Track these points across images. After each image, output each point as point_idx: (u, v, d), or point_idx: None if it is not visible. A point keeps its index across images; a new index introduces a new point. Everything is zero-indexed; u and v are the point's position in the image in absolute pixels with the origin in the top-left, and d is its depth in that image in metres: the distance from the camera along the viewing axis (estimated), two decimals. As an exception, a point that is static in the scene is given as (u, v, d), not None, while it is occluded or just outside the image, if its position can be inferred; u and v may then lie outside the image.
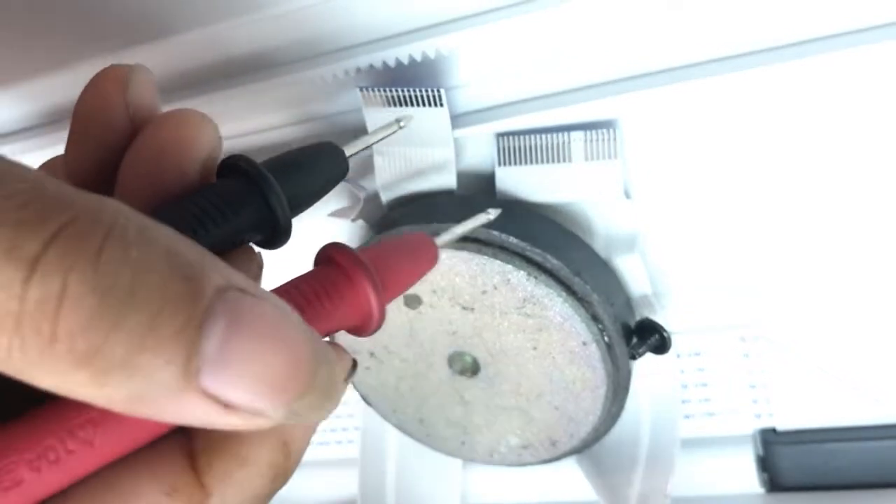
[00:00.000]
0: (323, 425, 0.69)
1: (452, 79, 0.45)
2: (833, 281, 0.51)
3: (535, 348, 0.48)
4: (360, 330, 0.27)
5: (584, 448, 0.55)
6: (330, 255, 0.26)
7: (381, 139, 0.37)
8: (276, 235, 0.27)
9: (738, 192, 0.48)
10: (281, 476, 0.25)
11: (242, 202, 0.26)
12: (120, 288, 0.18)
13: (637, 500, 0.55)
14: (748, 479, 0.61)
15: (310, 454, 0.71)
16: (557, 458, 0.56)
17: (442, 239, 0.32)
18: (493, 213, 0.37)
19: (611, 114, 0.46)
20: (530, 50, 0.44)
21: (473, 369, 0.52)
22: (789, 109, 0.44)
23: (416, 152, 0.47)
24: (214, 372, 0.19)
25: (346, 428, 0.68)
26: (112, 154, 0.27)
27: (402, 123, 0.39)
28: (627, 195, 0.49)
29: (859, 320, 0.52)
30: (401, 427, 0.59)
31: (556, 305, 0.46)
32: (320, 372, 0.21)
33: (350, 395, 0.65)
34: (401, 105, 0.44)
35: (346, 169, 0.32)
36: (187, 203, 0.25)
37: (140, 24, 0.43)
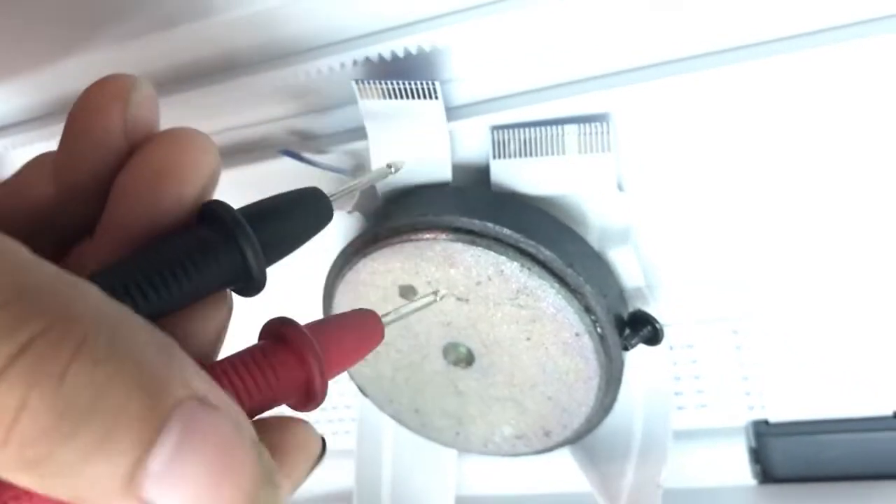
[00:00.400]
0: (321, 416, 0.69)
1: (447, 72, 0.46)
2: (825, 274, 0.51)
3: (528, 339, 0.49)
4: (299, 406, 0.28)
5: (578, 439, 0.56)
6: (280, 333, 0.27)
7: (369, 183, 0.38)
8: (250, 287, 0.28)
9: (730, 185, 0.48)
10: None
11: (218, 252, 0.26)
12: (78, 408, 0.19)
13: (630, 491, 0.55)
14: (741, 471, 0.62)
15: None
16: (551, 449, 0.57)
17: (388, 318, 0.32)
18: (439, 295, 0.38)
19: (604, 107, 0.46)
20: (524, 43, 0.44)
21: (468, 360, 0.52)
22: (781, 103, 0.44)
23: (411, 145, 0.47)
24: (158, 486, 0.20)
25: (343, 419, 0.69)
26: (105, 169, 0.27)
27: (393, 169, 0.40)
28: (621, 188, 0.49)
29: (851, 313, 0.53)
30: (396, 417, 0.59)
31: (549, 297, 0.46)
32: (261, 495, 0.21)
33: (347, 387, 0.65)
34: (396, 97, 0.45)
35: (331, 216, 0.32)
36: (166, 248, 0.26)
37: (139, 16, 0.44)
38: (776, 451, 0.60)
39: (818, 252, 0.50)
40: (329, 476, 0.71)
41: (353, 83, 0.45)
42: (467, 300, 0.48)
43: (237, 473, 0.21)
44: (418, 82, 0.44)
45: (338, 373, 0.29)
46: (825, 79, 0.43)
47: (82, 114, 0.27)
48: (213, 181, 0.28)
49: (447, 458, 0.63)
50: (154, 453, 0.20)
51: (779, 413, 0.59)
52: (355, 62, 0.45)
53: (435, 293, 0.38)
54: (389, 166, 0.40)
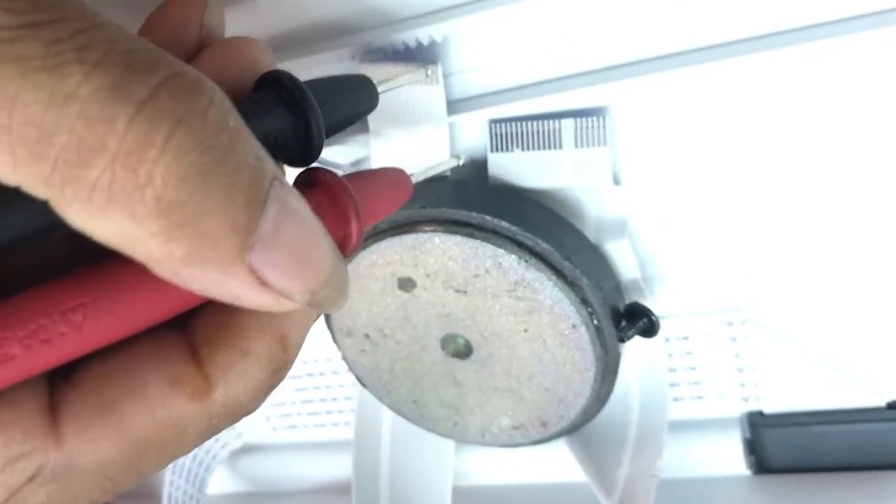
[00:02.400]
0: (320, 407, 0.71)
1: (447, 65, 0.47)
2: (819, 267, 0.52)
3: (525, 331, 0.50)
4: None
5: (574, 429, 0.57)
6: (315, 179, 0.27)
7: (410, 83, 0.40)
8: (306, 154, 0.28)
9: (725, 178, 0.49)
10: (279, 369, 0.26)
11: (279, 115, 0.27)
12: (219, 149, 0.20)
13: (625, 481, 0.56)
14: (736, 462, 0.63)
15: (306, 436, 0.73)
16: (548, 439, 0.58)
17: (416, 177, 0.34)
18: (462, 159, 0.39)
19: (600, 101, 0.47)
20: (523, 38, 0.45)
21: (466, 351, 0.53)
22: (776, 97, 0.45)
23: (411, 138, 0.48)
24: (263, 251, 0.21)
25: (343, 410, 0.70)
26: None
27: (429, 72, 0.41)
28: (617, 181, 0.50)
29: (845, 306, 0.54)
30: (395, 408, 0.61)
31: (546, 289, 0.47)
32: (337, 266, 0.24)
33: (346, 378, 0.67)
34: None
35: (376, 103, 0.33)
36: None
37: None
38: (771, 441, 0.61)
39: (812, 245, 0.51)
40: (328, 467, 0.72)
41: (358, 65, 0.46)
42: (465, 292, 0.49)
43: (323, 247, 0.23)
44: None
45: (372, 223, 0.30)
46: (819, 73, 0.44)
47: (162, 13, 0.29)
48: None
49: (445, 449, 0.64)
50: (264, 216, 0.21)
51: (773, 404, 0.60)
52: (353, 56, 0.46)
53: (458, 157, 0.39)
54: (427, 67, 0.42)
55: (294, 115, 0.27)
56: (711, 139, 0.48)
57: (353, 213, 0.27)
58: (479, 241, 0.47)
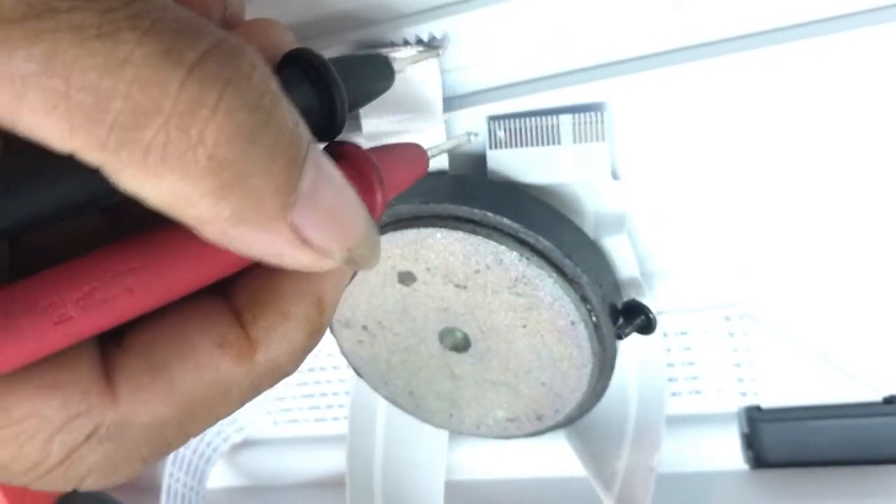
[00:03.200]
0: (321, 402, 0.71)
1: (445, 62, 0.47)
2: (817, 262, 0.53)
3: (524, 326, 0.51)
4: None
5: (569, 423, 0.58)
6: (341, 151, 0.28)
7: (424, 59, 0.42)
8: (330, 129, 0.29)
9: (723, 174, 0.50)
10: (316, 331, 0.27)
11: (305, 91, 0.27)
12: (264, 110, 0.21)
13: (624, 475, 0.57)
14: (733, 456, 0.63)
15: (307, 430, 0.74)
16: (542, 432, 0.59)
17: (431, 152, 0.35)
18: (472, 136, 0.42)
19: (598, 97, 0.48)
20: (521, 34, 0.46)
21: (464, 345, 0.54)
22: (774, 93, 0.46)
23: (407, 134, 0.49)
24: (304, 209, 0.23)
25: (343, 405, 0.70)
26: None
27: (440, 52, 0.43)
28: (615, 176, 0.51)
29: (843, 301, 0.54)
30: (391, 399, 0.61)
31: (546, 286, 0.48)
32: (370, 226, 0.25)
33: (347, 373, 0.67)
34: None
35: (392, 81, 0.35)
36: None
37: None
38: (768, 436, 0.62)
39: (810, 241, 0.52)
40: (328, 461, 0.73)
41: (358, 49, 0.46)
42: (465, 287, 0.50)
43: (357, 207, 0.25)
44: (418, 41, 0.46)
45: (394, 195, 0.31)
46: (817, 69, 0.44)
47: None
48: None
49: (439, 443, 0.65)
50: (303, 175, 0.22)
51: (771, 399, 0.61)
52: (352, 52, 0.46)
53: (469, 134, 0.41)
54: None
55: (319, 90, 0.28)
56: (709, 134, 0.49)
57: (378, 182, 0.28)
58: (480, 237, 0.47)
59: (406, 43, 0.46)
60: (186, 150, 0.20)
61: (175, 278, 0.24)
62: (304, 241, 0.23)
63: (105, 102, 0.20)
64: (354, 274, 0.30)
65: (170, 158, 0.20)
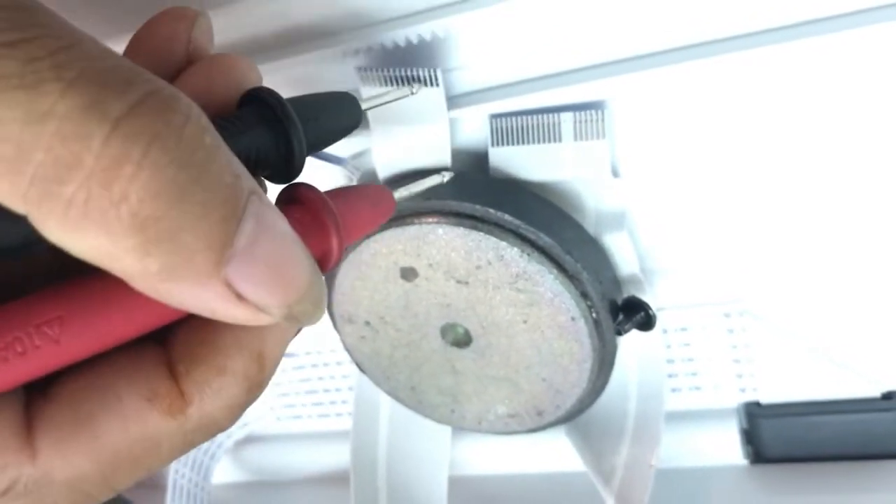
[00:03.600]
0: (324, 398, 0.72)
1: (448, 61, 0.48)
2: (816, 258, 0.53)
3: (525, 322, 0.51)
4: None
5: (569, 419, 0.58)
6: (298, 195, 0.28)
7: (395, 99, 0.41)
8: (288, 170, 0.29)
9: (722, 171, 0.51)
10: (255, 387, 0.27)
11: (261, 132, 0.27)
12: (194, 166, 0.21)
13: (623, 471, 0.58)
14: (733, 451, 0.64)
15: (310, 426, 0.75)
16: (542, 428, 0.60)
17: (399, 194, 0.34)
18: (446, 176, 0.41)
19: (600, 95, 0.48)
20: (524, 33, 0.46)
21: (465, 340, 0.55)
22: (773, 92, 0.46)
23: (412, 131, 0.49)
24: (239, 265, 0.22)
25: (346, 401, 0.71)
26: (164, 76, 0.28)
27: (414, 90, 0.42)
28: (616, 174, 0.51)
29: (841, 297, 0.55)
30: (393, 394, 0.62)
31: (547, 282, 0.49)
32: (315, 280, 0.24)
33: (349, 368, 0.68)
34: (398, 84, 0.46)
35: (360, 120, 0.34)
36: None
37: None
38: (767, 432, 0.63)
39: (809, 237, 0.53)
40: (331, 456, 0.74)
41: (356, 70, 0.47)
42: (467, 283, 0.51)
43: (300, 261, 0.24)
44: (420, 70, 0.46)
45: (353, 240, 0.30)
46: (816, 69, 0.45)
47: (151, 28, 0.30)
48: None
49: (442, 438, 0.66)
50: (240, 231, 0.22)
51: (770, 395, 0.62)
52: (357, 51, 0.47)
53: (442, 173, 0.41)
54: (411, 85, 0.42)
55: (276, 131, 0.28)
56: (709, 132, 0.49)
57: (334, 228, 0.27)
58: (482, 233, 0.48)
59: (408, 43, 0.46)
60: (109, 208, 0.20)
61: (105, 328, 0.24)
62: (240, 297, 0.22)
63: (26, 155, 0.19)
64: (299, 330, 0.29)
65: (92, 214, 0.20)
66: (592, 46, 0.46)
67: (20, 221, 0.20)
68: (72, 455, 0.24)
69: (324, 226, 0.27)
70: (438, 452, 0.66)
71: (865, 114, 0.47)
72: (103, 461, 0.24)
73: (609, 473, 0.58)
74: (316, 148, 0.31)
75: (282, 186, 0.29)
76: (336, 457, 0.73)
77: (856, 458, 0.62)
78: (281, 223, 0.24)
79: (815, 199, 0.51)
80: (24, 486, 0.23)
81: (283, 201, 0.28)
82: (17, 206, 0.20)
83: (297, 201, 0.28)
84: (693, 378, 0.63)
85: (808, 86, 0.46)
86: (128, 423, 0.24)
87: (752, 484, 0.63)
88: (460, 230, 0.49)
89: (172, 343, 0.26)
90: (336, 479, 0.71)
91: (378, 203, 0.32)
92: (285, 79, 0.49)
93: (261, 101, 0.28)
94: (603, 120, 0.48)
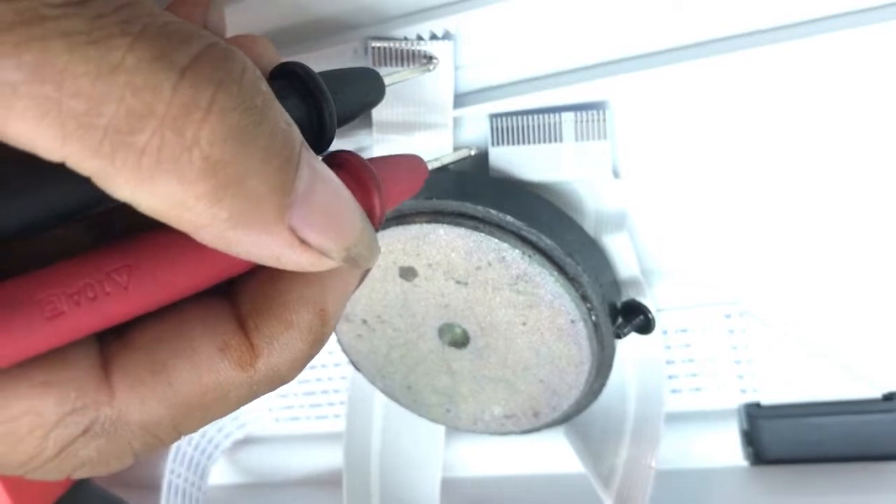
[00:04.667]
0: (322, 399, 0.73)
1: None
2: (816, 259, 0.54)
3: (524, 324, 0.52)
4: None
5: (565, 420, 0.59)
6: (338, 160, 0.29)
7: (416, 76, 0.42)
8: (319, 142, 0.30)
9: (723, 172, 0.51)
10: (318, 341, 0.28)
11: (295, 104, 0.29)
12: (256, 111, 0.23)
13: (622, 473, 0.58)
14: (733, 453, 0.65)
15: (308, 427, 0.75)
16: (538, 429, 0.60)
17: (431, 164, 0.36)
18: (473, 150, 0.45)
19: (601, 95, 0.49)
20: (525, 32, 0.47)
21: (463, 341, 0.56)
22: (776, 91, 0.47)
23: (414, 128, 0.50)
24: (301, 210, 0.24)
25: (345, 402, 0.71)
26: None
27: (432, 66, 0.43)
28: (616, 175, 0.52)
29: (842, 298, 0.55)
30: (388, 393, 0.63)
31: (547, 284, 0.49)
32: (367, 225, 0.27)
33: (348, 370, 0.68)
34: (406, 63, 0.47)
35: (383, 94, 0.36)
36: None
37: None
38: (768, 433, 0.64)
39: (809, 238, 0.53)
40: (323, 458, 0.75)
41: (368, 41, 0.47)
42: (466, 284, 0.51)
43: (352, 207, 0.26)
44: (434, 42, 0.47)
45: (392, 206, 0.32)
46: (818, 67, 0.46)
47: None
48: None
49: (435, 439, 0.67)
50: (298, 177, 0.24)
51: (770, 396, 0.62)
52: (356, 52, 0.47)
53: (470, 147, 0.44)
54: (430, 59, 0.44)
55: (308, 104, 0.29)
56: (710, 133, 0.50)
57: (376, 188, 0.29)
58: (483, 234, 0.49)
59: (419, 38, 0.47)
60: (182, 153, 0.21)
61: (172, 278, 0.25)
62: (303, 243, 0.24)
63: (98, 108, 0.20)
64: (359, 284, 0.31)
65: (165, 161, 0.21)
66: (595, 45, 0.47)
67: (82, 184, 0.21)
68: (147, 399, 0.25)
69: (366, 187, 0.29)
70: (432, 454, 0.67)
71: (869, 117, 0.47)
72: (175, 407, 0.26)
73: (608, 475, 0.59)
74: (344, 121, 0.33)
75: None
76: (334, 458, 0.74)
77: (857, 459, 0.62)
78: (330, 173, 0.25)
79: (815, 201, 0.51)
80: (101, 427, 0.25)
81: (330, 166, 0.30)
82: (86, 164, 0.21)
83: (338, 166, 0.29)
84: (693, 379, 0.63)
85: (814, 86, 0.47)
86: (200, 371, 0.26)
87: (752, 485, 0.64)
88: (461, 230, 0.49)
89: (240, 298, 0.28)
90: (333, 482, 0.71)
91: (413, 170, 0.34)
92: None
93: (294, 75, 0.30)
94: (605, 120, 0.49)
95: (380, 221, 0.30)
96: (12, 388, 0.24)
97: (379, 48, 0.47)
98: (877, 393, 0.61)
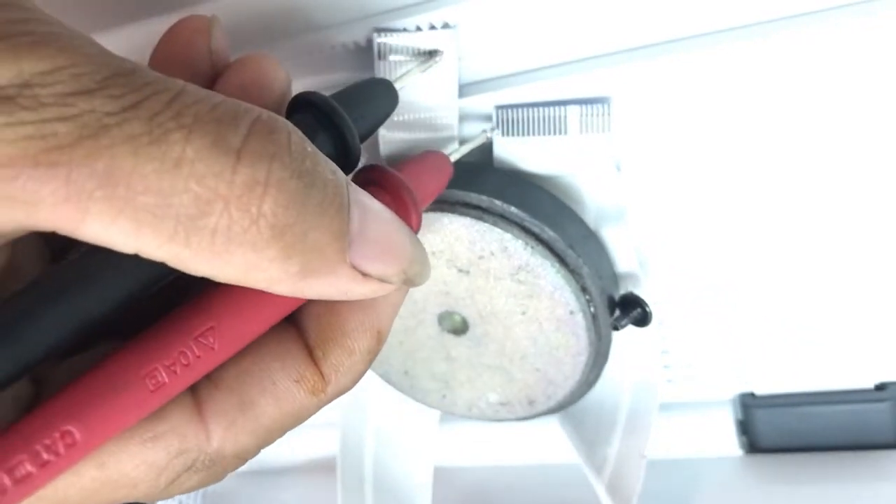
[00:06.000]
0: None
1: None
2: (810, 249, 0.56)
3: (523, 313, 0.54)
4: None
5: (560, 409, 0.61)
6: (372, 177, 0.32)
7: (424, 70, 0.44)
8: (346, 165, 0.32)
9: (720, 166, 0.52)
10: (373, 358, 0.33)
11: (315, 133, 0.31)
12: (307, 174, 0.26)
13: (615, 461, 0.61)
14: (728, 442, 0.67)
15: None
16: (532, 417, 0.62)
17: (453, 156, 0.41)
18: (489, 132, 0.47)
19: (605, 88, 0.49)
20: (529, 22, 0.47)
21: (462, 328, 0.57)
22: (777, 86, 0.48)
23: (419, 121, 0.50)
24: (358, 247, 0.27)
25: None
26: None
27: (437, 59, 0.45)
28: (619, 168, 0.53)
29: (836, 289, 0.57)
30: (385, 377, 0.64)
31: (549, 275, 0.51)
32: (417, 245, 0.30)
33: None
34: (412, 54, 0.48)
35: (396, 103, 0.39)
36: None
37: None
38: (762, 422, 0.66)
39: (803, 229, 0.55)
40: (315, 444, 0.77)
41: (374, 33, 0.48)
42: (468, 272, 0.53)
43: (402, 232, 0.30)
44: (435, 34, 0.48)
45: (424, 207, 0.35)
46: (826, 61, 0.46)
47: (170, 45, 0.34)
48: (288, 92, 0.35)
49: (429, 426, 0.69)
50: (350, 221, 0.27)
51: (765, 386, 0.65)
52: (368, 41, 0.48)
53: (485, 130, 0.47)
54: (433, 53, 0.46)
55: (332, 135, 0.32)
56: (711, 128, 0.51)
57: (413, 205, 0.32)
58: (487, 224, 0.50)
59: (418, 29, 0.47)
60: (250, 226, 0.24)
61: (249, 327, 0.29)
62: (365, 276, 0.28)
63: (167, 200, 0.23)
64: (403, 298, 0.34)
65: (236, 236, 0.24)
66: (601, 36, 0.48)
67: (154, 266, 0.25)
68: (239, 434, 0.30)
69: (403, 203, 0.32)
70: (425, 441, 0.69)
71: (872, 112, 0.48)
72: (261, 436, 0.31)
73: (600, 464, 0.61)
74: (365, 139, 0.35)
75: None
76: (329, 446, 0.74)
77: (849, 448, 0.65)
78: (376, 203, 0.29)
79: (811, 194, 0.53)
80: (203, 463, 0.29)
81: (361, 184, 0.32)
82: (159, 251, 0.24)
83: (374, 183, 0.33)
84: (688, 369, 0.65)
85: (821, 81, 0.47)
86: (281, 403, 0.31)
87: (747, 474, 0.66)
88: (465, 220, 0.51)
89: (305, 328, 0.32)
90: (328, 468, 0.72)
91: (440, 169, 0.38)
92: (293, 68, 0.48)
93: (312, 107, 0.32)
94: (609, 114, 0.50)
95: (417, 229, 0.33)
96: (125, 446, 0.28)
97: (383, 44, 0.48)
98: (869, 383, 0.63)
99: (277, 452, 0.79)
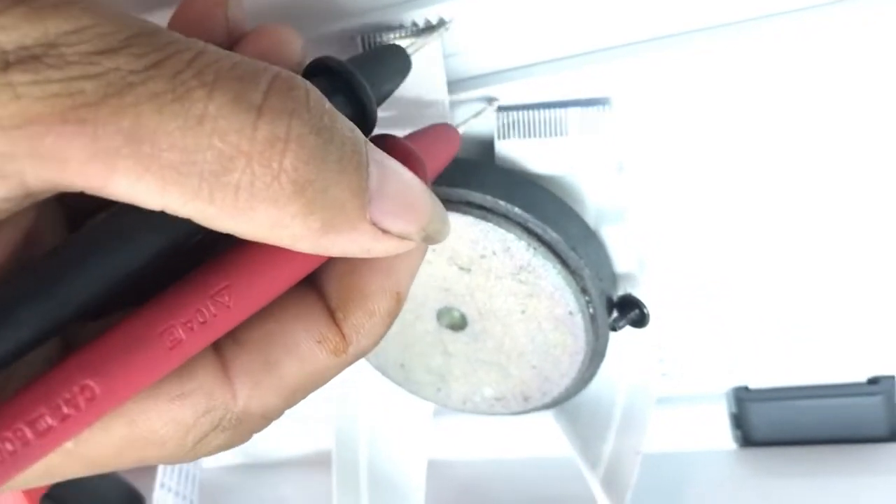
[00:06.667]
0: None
1: (450, 46, 0.49)
2: (803, 244, 0.56)
3: (523, 312, 0.55)
4: None
5: (554, 405, 0.62)
6: (384, 145, 0.32)
7: (434, 40, 0.45)
8: (363, 130, 0.32)
9: (719, 166, 0.53)
10: (393, 320, 0.33)
11: (333, 99, 0.31)
12: (326, 130, 0.26)
13: (610, 456, 0.62)
14: (722, 435, 0.69)
15: (289, 409, 0.77)
16: (526, 412, 0.63)
17: (461, 127, 0.41)
18: (493, 103, 0.48)
19: (605, 89, 0.50)
20: (525, 16, 0.47)
21: (460, 324, 0.58)
22: (775, 86, 0.48)
23: (410, 116, 0.51)
24: (378, 204, 0.28)
25: (329, 384, 0.74)
26: None
27: (447, 27, 0.46)
28: (620, 169, 0.54)
29: (829, 284, 0.58)
30: (381, 369, 0.65)
31: (550, 276, 0.52)
32: (436, 202, 0.31)
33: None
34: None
35: (410, 68, 0.40)
36: None
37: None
38: (756, 416, 0.68)
39: (797, 224, 0.56)
40: (310, 438, 0.78)
41: (358, 38, 0.48)
42: (469, 270, 0.54)
43: (421, 189, 0.30)
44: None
45: (434, 178, 0.35)
46: (826, 61, 0.46)
47: (187, 13, 0.34)
48: (304, 61, 0.35)
49: (423, 420, 0.70)
50: (369, 178, 0.28)
51: (758, 380, 0.66)
52: (352, 38, 0.48)
53: (489, 100, 0.48)
54: (443, 23, 0.46)
55: (349, 98, 0.33)
56: (709, 128, 0.51)
57: (423, 173, 0.33)
58: (490, 224, 0.51)
59: (413, 25, 0.48)
60: (272, 181, 0.25)
61: (264, 287, 0.30)
62: (386, 232, 0.28)
63: (192, 156, 0.24)
64: (421, 260, 0.35)
65: (258, 191, 0.25)
66: (600, 37, 0.48)
67: (181, 223, 0.26)
68: (264, 394, 0.31)
69: (414, 170, 0.32)
70: (419, 435, 0.70)
71: (874, 112, 0.49)
72: (286, 395, 0.32)
73: (595, 459, 0.63)
74: (380, 103, 0.36)
75: None
76: (324, 439, 0.75)
77: (842, 441, 0.67)
78: (394, 162, 0.30)
79: (804, 190, 0.53)
80: (230, 421, 0.30)
81: None
82: (185, 208, 0.25)
83: (386, 151, 0.33)
84: (682, 363, 0.66)
85: (822, 80, 0.47)
86: (304, 363, 0.32)
87: (741, 467, 0.68)
88: (468, 219, 0.52)
89: (326, 289, 0.32)
90: (324, 461, 0.73)
91: (448, 140, 0.38)
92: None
93: (329, 72, 0.33)
94: (609, 115, 0.50)
95: None
96: (153, 404, 0.29)
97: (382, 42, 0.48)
98: (862, 377, 0.65)
99: (273, 446, 0.80)
